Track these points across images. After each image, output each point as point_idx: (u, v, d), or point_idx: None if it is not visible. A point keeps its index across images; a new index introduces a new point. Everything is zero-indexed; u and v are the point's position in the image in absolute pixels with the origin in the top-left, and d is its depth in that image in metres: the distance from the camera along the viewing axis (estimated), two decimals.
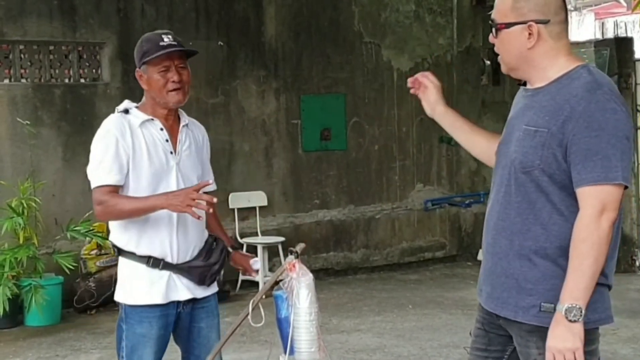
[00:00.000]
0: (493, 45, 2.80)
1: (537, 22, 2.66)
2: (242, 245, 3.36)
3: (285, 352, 3.19)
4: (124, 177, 3.41)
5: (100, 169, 3.40)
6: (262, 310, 3.33)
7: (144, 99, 3.54)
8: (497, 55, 2.82)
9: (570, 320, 2.52)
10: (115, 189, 3.40)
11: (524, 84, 2.82)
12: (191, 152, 3.56)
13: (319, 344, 3.24)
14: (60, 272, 7.34)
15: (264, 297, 3.38)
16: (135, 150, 3.41)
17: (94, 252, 7.70)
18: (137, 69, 3.50)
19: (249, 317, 3.32)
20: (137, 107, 3.51)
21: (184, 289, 3.49)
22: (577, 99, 2.58)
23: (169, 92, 3.43)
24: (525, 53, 2.69)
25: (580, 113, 2.55)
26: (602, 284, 2.61)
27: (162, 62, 3.42)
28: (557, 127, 2.58)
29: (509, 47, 2.72)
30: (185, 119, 3.59)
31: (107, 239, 7.52)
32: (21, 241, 7.20)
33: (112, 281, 7.62)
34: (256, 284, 8.13)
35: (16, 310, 7.19)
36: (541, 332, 2.63)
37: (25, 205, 7.20)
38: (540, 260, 2.64)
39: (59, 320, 7.36)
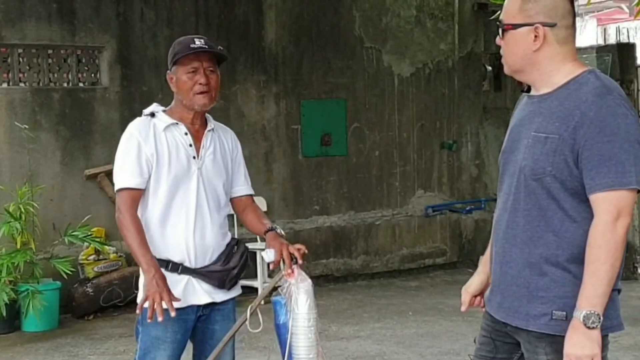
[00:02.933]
0: (495, 50, 2.79)
1: (544, 24, 2.64)
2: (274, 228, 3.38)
3: (283, 359, 3.15)
4: (145, 180, 3.41)
5: (122, 173, 3.42)
6: (260, 316, 3.29)
7: (172, 102, 3.55)
8: (500, 57, 2.81)
9: (588, 327, 2.50)
10: (136, 193, 3.40)
11: (527, 90, 2.80)
12: (216, 157, 3.53)
13: (317, 351, 3.21)
14: (58, 277, 7.29)
15: (262, 302, 3.35)
16: (158, 153, 3.41)
17: (91, 257, 7.67)
18: (168, 71, 3.51)
19: (247, 322, 3.29)
20: (164, 110, 3.52)
21: (203, 293, 3.47)
22: (588, 105, 2.56)
23: (196, 94, 3.43)
24: (530, 55, 2.67)
25: (592, 119, 2.54)
26: (613, 289, 2.59)
27: (191, 63, 3.41)
28: (568, 133, 2.56)
29: (515, 48, 2.70)
30: (211, 123, 3.57)
31: (105, 244, 7.61)
32: (19, 246, 7.15)
33: (110, 286, 7.69)
34: (255, 289, 8.09)
35: (13, 315, 7.15)
36: (550, 338, 2.62)
37: (22, 209, 7.17)
38: (551, 267, 2.62)
39: (57, 325, 7.31)
